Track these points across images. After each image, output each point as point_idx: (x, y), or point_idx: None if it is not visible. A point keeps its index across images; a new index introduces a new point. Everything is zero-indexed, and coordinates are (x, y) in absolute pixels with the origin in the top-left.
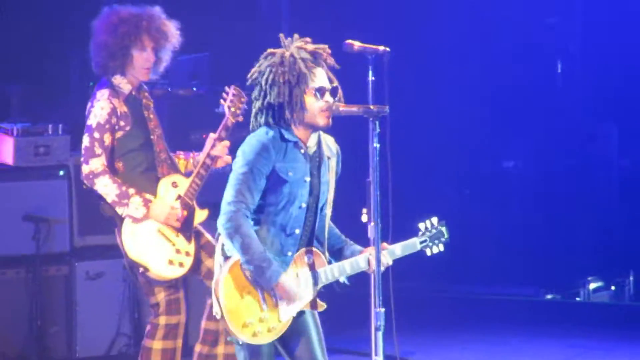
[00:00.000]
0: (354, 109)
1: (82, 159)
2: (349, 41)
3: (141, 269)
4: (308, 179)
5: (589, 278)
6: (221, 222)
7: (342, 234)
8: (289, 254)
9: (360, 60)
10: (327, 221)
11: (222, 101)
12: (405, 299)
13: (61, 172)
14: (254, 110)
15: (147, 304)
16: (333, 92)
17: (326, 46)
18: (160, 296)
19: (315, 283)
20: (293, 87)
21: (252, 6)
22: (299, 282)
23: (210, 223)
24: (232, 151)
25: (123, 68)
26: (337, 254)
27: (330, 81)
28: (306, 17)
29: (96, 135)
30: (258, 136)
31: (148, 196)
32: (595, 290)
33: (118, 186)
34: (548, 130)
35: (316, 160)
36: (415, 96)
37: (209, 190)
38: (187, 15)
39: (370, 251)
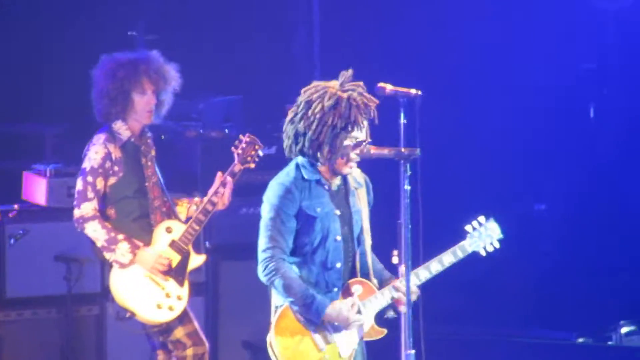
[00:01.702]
0: (385, 151)
1: (74, 203)
2: (381, 84)
3: (128, 314)
4: (338, 212)
5: (621, 322)
6: (260, 270)
7: (381, 267)
8: (335, 289)
9: (392, 103)
10: (369, 249)
11: (233, 148)
12: (435, 341)
13: None
14: (289, 129)
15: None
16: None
17: (376, 101)
18: (179, 332)
19: (369, 311)
20: (338, 133)
21: (284, 49)
22: (352, 310)
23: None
24: (241, 193)
25: (124, 113)
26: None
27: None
28: (338, 59)
29: (89, 179)
30: (279, 180)
31: (137, 242)
32: (628, 334)
33: (107, 232)
34: (579, 174)
35: (342, 193)
36: (446, 138)
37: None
38: (220, 57)
39: (397, 281)
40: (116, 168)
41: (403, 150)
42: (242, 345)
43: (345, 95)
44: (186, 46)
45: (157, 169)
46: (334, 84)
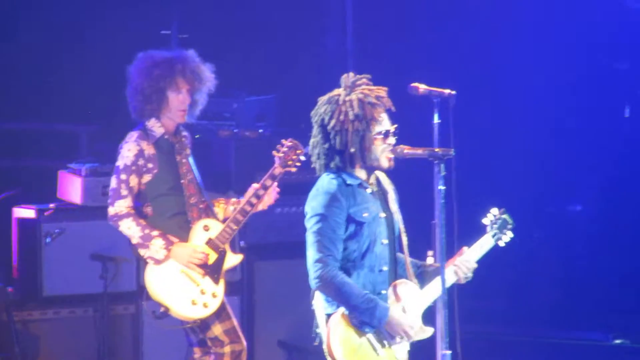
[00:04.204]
0: (419, 151)
1: (108, 201)
2: (414, 84)
3: (162, 309)
4: (383, 215)
5: None
6: (313, 282)
7: (414, 259)
8: (383, 292)
9: (426, 103)
10: (406, 250)
11: (274, 152)
12: (470, 342)
13: None
14: (316, 152)
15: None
16: (394, 132)
17: (385, 88)
18: (217, 329)
19: (417, 311)
20: (364, 134)
21: (317, 48)
22: (405, 313)
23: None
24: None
25: (159, 111)
26: (419, 278)
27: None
28: (371, 59)
29: (122, 177)
30: (323, 188)
31: (172, 238)
32: None
33: (141, 228)
34: (614, 175)
35: (381, 195)
36: (480, 139)
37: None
38: (254, 57)
39: (453, 262)
40: (150, 165)
41: (437, 150)
42: (278, 344)
43: (354, 97)
44: (219, 45)
45: (193, 167)
46: (339, 92)
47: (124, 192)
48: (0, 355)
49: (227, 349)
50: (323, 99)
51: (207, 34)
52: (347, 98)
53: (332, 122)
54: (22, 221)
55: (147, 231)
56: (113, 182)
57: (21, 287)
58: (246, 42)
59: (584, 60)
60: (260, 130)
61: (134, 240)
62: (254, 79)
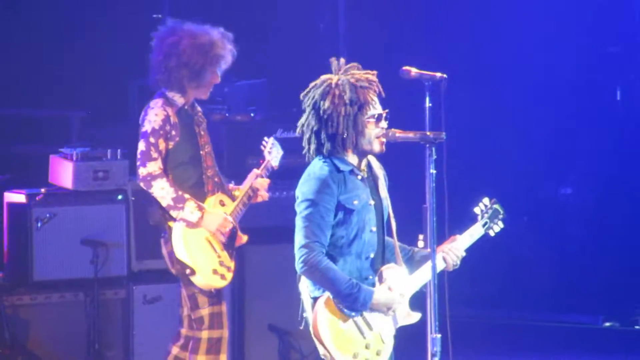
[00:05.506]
0: (411, 135)
1: (138, 163)
2: (406, 67)
3: (187, 271)
4: (372, 202)
5: None
6: (298, 267)
7: (403, 244)
8: (370, 277)
9: (417, 86)
10: (395, 235)
11: (262, 147)
12: (461, 325)
13: (119, 197)
14: (307, 136)
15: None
16: (386, 117)
17: (375, 72)
18: (205, 310)
19: (404, 296)
20: (356, 117)
21: (309, 32)
22: (392, 292)
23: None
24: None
25: (194, 86)
26: (408, 263)
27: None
28: (363, 43)
29: (152, 140)
30: (315, 174)
31: (201, 204)
32: None
33: (175, 190)
34: (605, 158)
35: (372, 182)
36: (471, 122)
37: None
38: (245, 41)
39: (442, 249)
40: (174, 132)
41: (429, 133)
42: (268, 328)
43: (346, 81)
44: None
45: (209, 140)
46: (331, 76)
47: (154, 154)
48: None
49: (204, 334)
50: (315, 83)
51: (198, 18)
52: (340, 82)
53: (325, 105)
54: (13, 206)
55: (180, 193)
56: (142, 145)
57: (11, 272)
58: (237, 26)
59: (577, 43)
60: (252, 115)
61: (165, 202)
62: (245, 62)
